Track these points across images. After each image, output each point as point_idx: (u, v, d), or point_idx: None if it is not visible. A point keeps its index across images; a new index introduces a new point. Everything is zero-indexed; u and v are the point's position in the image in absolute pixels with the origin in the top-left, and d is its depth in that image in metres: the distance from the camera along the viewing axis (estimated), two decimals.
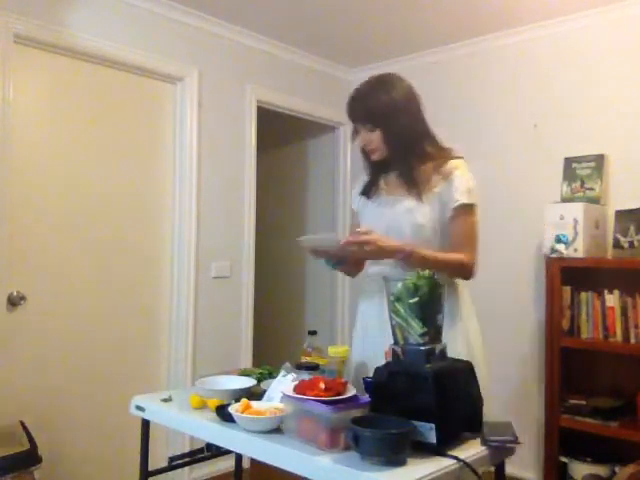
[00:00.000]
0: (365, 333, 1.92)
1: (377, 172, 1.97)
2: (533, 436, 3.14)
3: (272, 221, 4.53)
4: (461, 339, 1.79)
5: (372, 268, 1.92)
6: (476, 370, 1.56)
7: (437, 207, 1.80)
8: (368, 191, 1.98)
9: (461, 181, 1.81)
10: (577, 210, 2.89)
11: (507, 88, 3.49)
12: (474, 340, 1.85)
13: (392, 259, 1.73)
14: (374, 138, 1.85)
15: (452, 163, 1.85)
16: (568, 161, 3.16)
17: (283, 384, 1.58)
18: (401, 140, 1.84)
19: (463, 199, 1.78)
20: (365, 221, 1.96)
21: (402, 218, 1.82)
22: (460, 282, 1.87)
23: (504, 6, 3.11)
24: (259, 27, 3.48)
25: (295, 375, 1.61)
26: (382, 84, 1.86)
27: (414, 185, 1.83)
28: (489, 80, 3.57)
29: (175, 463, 2.03)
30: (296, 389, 1.46)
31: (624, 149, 3.04)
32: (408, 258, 1.69)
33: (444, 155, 1.88)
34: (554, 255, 2.93)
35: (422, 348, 1.43)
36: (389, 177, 1.94)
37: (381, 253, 1.70)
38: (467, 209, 1.80)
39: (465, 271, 1.80)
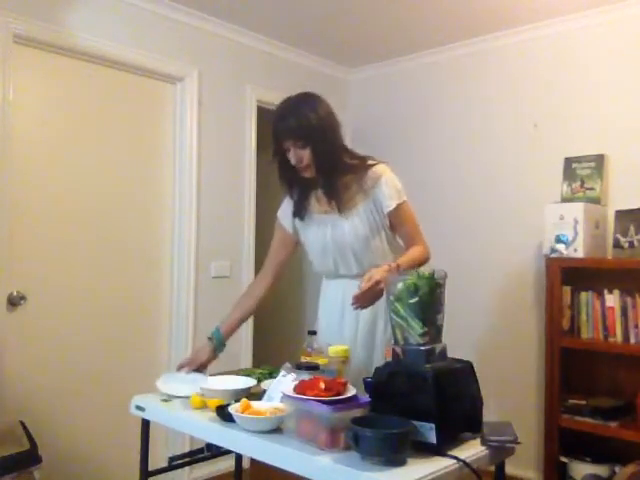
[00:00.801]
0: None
1: (304, 191, 2.00)
2: (533, 436, 3.15)
3: (272, 221, 4.52)
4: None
5: (331, 284, 2.04)
6: None
7: (373, 215, 1.91)
8: (300, 212, 2.02)
9: (388, 186, 1.91)
10: (577, 210, 2.89)
11: (507, 88, 3.49)
12: None
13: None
14: (305, 155, 1.87)
15: (376, 170, 1.93)
16: (568, 161, 3.16)
17: (283, 384, 1.58)
18: (329, 156, 1.88)
19: (394, 203, 1.90)
20: (308, 241, 2.03)
21: (348, 234, 1.91)
22: None
23: (504, 6, 3.11)
24: (259, 27, 3.48)
25: (295, 375, 1.61)
26: (306, 103, 1.92)
27: (343, 200, 1.90)
28: (489, 80, 3.57)
29: (175, 463, 2.03)
30: (296, 389, 1.46)
31: (624, 149, 3.04)
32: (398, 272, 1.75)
33: (365, 164, 1.94)
34: (554, 255, 2.93)
35: (422, 348, 1.43)
36: (319, 194, 1.98)
37: (388, 282, 1.71)
38: (400, 208, 1.92)
39: (427, 259, 1.96)
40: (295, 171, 1.93)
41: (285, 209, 2.11)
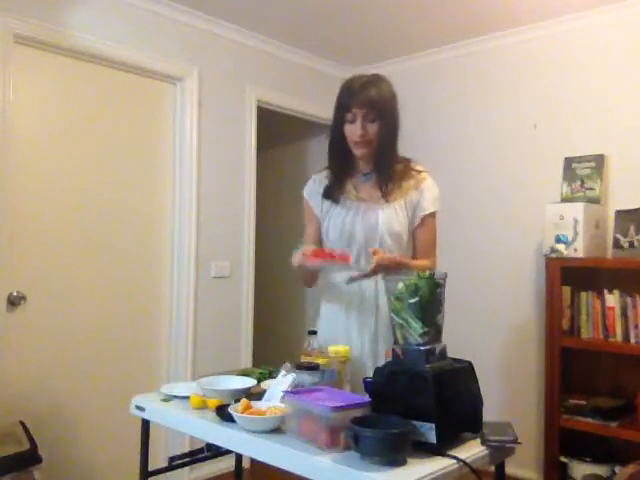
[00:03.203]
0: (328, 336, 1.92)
1: (343, 175, 1.96)
2: (533, 436, 3.15)
3: (272, 221, 4.53)
4: None
5: (340, 276, 1.91)
6: None
7: (409, 214, 1.89)
8: (333, 194, 1.96)
9: (431, 190, 1.91)
10: (577, 210, 2.89)
11: (507, 88, 3.49)
12: None
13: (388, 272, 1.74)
14: (371, 130, 1.83)
15: (421, 172, 1.93)
16: (568, 161, 3.16)
17: (283, 384, 1.59)
18: (392, 138, 1.87)
19: (431, 208, 1.90)
20: (336, 227, 1.93)
21: (382, 225, 1.85)
22: None
23: (504, 6, 3.11)
24: (259, 27, 3.48)
25: (295, 375, 1.61)
26: (381, 79, 1.88)
27: (390, 189, 1.87)
28: (489, 80, 3.57)
29: (175, 463, 2.03)
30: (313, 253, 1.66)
31: (624, 149, 3.04)
32: (400, 269, 1.74)
33: (408, 163, 1.93)
34: (554, 255, 2.93)
35: (422, 348, 1.43)
36: (357, 180, 1.95)
37: (398, 266, 1.73)
38: (432, 216, 1.92)
39: None
40: (345, 150, 1.89)
41: (312, 188, 2.04)
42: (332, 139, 1.94)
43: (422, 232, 1.91)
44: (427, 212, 1.89)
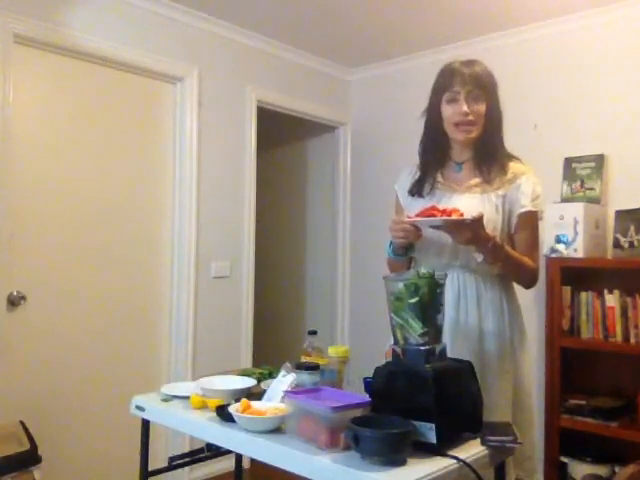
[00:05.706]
0: None
1: (434, 166, 1.83)
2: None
3: (272, 221, 4.53)
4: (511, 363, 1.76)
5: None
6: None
7: (500, 209, 1.73)
8: (419, 190, 1.83)
9: (530, 186, 1.75)
10: (577, 210, 2.89)
11: (507, 88, 3.47)
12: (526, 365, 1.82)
13: (481, 247, 1.61)
14: (478, 110, 1.72)
15: (520, 167, 1.79)
16: (568, 161, 3.16)
17: (283, 384, 1.59)
18: (498, 121, 1.79)
19: (530, 206, 1.74)
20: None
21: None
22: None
23: (504, 6, 3.11)
24: (259, 27, 3.48)
25: (295, 375, 1.61)
26: (484, 65, 1.80)
27: (493, 176, 1.74)
28: None
29: (175, 463, 2.03)
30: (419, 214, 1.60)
31: (624, 149, 3.04)
32: (496, 250, 1.61)
33: (510, 154, 1.82)
34: (554, 255, 2.93)
35: (422, 348, 1.43)
36: (448, 170, 1.83)
37: (478, 237, 1.58)
38: (532, 216, 1.76)
39: (534, 277, 1.79)
40: (440, 137, 1.77)
41: (403, 180, 1.91)
42: (427, 125, 1.82)
43: (520, 233, 1.75)
44: (524, 210, 1.72)
